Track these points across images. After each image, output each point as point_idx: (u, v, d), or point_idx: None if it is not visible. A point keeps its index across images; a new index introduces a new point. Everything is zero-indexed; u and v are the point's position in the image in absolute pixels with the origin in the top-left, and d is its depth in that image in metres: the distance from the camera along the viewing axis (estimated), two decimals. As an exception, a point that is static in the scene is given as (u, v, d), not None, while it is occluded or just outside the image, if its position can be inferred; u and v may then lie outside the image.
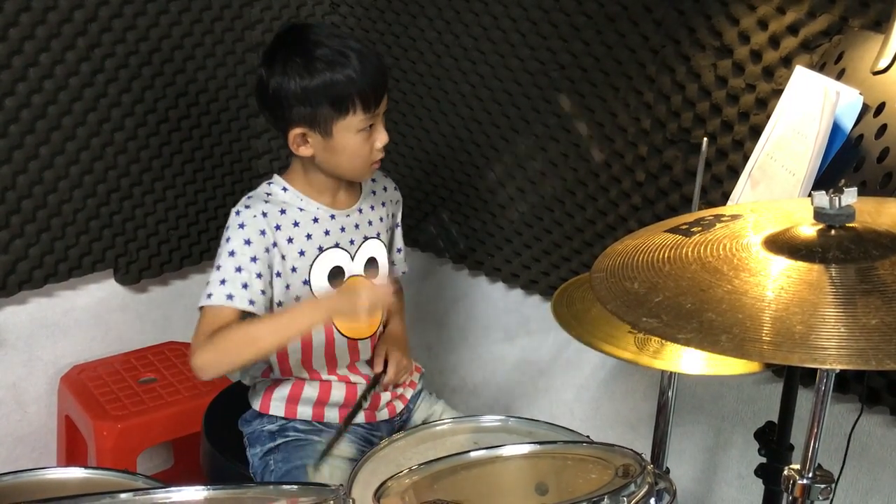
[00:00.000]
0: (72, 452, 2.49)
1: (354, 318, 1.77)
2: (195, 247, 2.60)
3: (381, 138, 1.78)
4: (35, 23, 2.16)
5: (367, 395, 1.88)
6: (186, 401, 2.40)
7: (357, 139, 1.75)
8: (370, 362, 1.94)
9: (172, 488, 1.24)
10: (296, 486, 1.42)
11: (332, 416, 1.89)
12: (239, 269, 1.74)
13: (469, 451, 1.45)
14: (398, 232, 2.04)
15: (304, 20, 2.58)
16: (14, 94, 2.18)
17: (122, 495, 1.24)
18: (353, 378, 1.91)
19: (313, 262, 1.83)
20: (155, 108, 2.39)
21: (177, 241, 2.56)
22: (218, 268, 1.76)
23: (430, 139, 2.49)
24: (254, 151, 2.63)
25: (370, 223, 1.92)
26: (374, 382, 1.90)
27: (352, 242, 1.88)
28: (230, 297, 1.73)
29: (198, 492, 1.24)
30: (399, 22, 2.44)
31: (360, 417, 1.89)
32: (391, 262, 2.02)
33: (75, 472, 1.51)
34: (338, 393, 1.89)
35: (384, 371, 1.91)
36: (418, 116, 2.49)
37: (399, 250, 2.05)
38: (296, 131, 1.74)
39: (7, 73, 2.16)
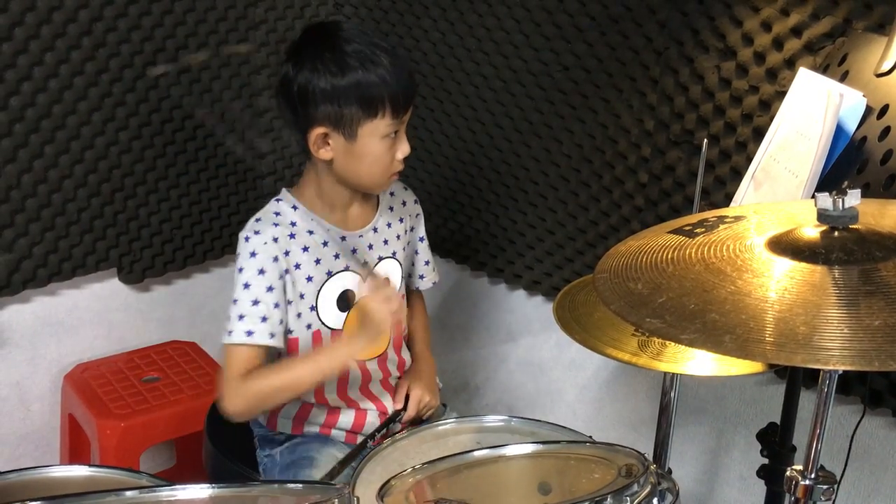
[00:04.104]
0: (75, 451, 2.49)
1: (382, 338, 1.73)
2: (199, 246, 2.60)
3: (404, 149, 1.72)
4: (40, 22, 2.16)
5: (383, 429, 1.83)
6: (189, 400, 2.40)
7: (381, 146, 1.69)
8: (383, 382, 1.89)
9: (178, 486, 1.24)
10: (301, 485, 1.42)
11: (339, 435, 1.86)
12: (256, 302, 1.68)
13: (472, 451, 1.44)
14: (423, 245, 1.99)
15: (309, 21, 2.58)
16: (19, 94, 2.18)
17: (128, 493, 1.24)
18: (364, 404, 1.86)
19: (321, 287, 1.77)
20: (159, 107, 2.40)
21: (180, 240, 2.56)
22: (235, 301, 1.70)
23: (434, 140, 2.50)
24: (257, 151, 2.63)
25: (386, 242, 1.86)
26: (392, 418, 1.86)
27: (364, 264, 1.82)
28: (250, 333, 1.68)
29: (203, 490, 1.24)
30: (402, 23, 2.44)
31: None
32: (419, 276, 1.99)
33: (79, 471, 1.51)
34: (346, 419, 1.85)
35: (404, 408, 1.87)
36: (421, 118, 2.49)
37: (427, 262, 2.00)
38: (318, 131, 1.67)
39: (12, 72, 2.16)
